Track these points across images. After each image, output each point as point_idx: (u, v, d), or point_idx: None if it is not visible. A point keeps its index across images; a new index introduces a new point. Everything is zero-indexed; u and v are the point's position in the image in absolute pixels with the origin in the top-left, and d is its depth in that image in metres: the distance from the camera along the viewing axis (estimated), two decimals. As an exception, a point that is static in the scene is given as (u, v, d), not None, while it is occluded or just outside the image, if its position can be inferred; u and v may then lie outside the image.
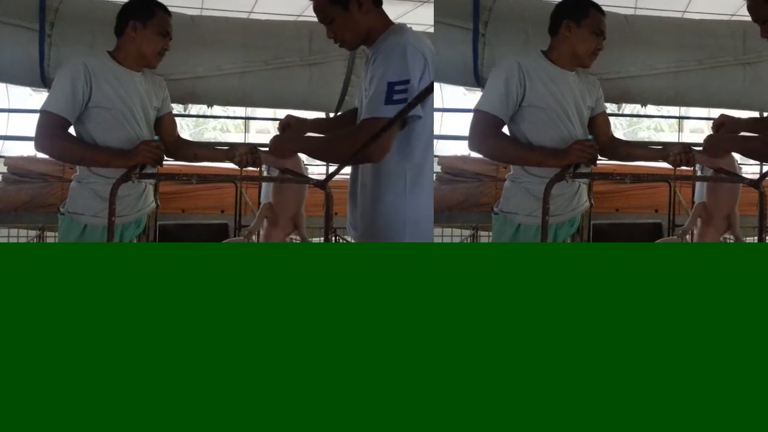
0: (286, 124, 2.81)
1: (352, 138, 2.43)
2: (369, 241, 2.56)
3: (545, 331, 2.04)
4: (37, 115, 2.75)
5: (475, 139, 2.80)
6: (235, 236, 4.48)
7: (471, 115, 2.82)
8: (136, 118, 2.82)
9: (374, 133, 2.25)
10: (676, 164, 2.76)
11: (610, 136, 2.97)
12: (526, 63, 2.80)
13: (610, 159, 3.03)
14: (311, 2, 2.57)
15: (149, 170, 2.78)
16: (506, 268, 2.06)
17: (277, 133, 2.86)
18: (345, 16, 2.48)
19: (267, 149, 2.76)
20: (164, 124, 2.96)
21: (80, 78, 2.73)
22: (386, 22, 2.53)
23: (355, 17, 2.48)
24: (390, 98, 2.34)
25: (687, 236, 3.51)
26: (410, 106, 2.20)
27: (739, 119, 2.90)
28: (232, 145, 2.93)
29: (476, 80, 3.23)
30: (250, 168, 2.97)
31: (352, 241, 2.70)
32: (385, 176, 2.50)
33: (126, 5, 2.85)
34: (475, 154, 4.50)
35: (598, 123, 2.93)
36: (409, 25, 2.54)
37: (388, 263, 2.06)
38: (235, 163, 2.79)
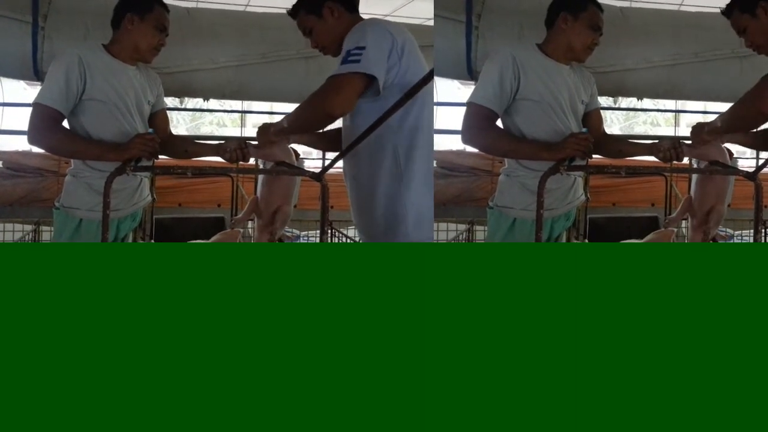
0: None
1: (316, 97, 2.52)
2: (372, 233, 2.57)
3: (543, 330, 2.03)
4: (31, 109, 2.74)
5: (468, 132, 2.80)
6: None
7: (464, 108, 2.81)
8: (130, 111, 2.81)
9: (334, 87, 2.44)
10: (666, 159, 2.75)
11: (601, 133, 2.96)
12: (521, 55, 2.79)
13: (601, 156, 3.03)
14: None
15: (144, 163, 2.78)
16: (504, 268, 2.06)
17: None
18: (320, 24, 2.64)
19: (255, 142, 2.77)
20: (157, 120, 2.95)
21: (74, 70, 2.72)
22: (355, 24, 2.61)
23: (329, 24, 2.63)
24: (345, 60, 2.46)
25: (674, 229, 3.50)
26: (407, 95, 2.21)
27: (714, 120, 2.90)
28: (226, 139, 2.93)
29: (469, 73, 3.22)
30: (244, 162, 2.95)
31: (356, 237, 2.70)
32: (377, 167, 2.51)
33: None
34: (470, 149, 4.48)
35: (592, 119, 2.92)
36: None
37: (386, 263, 2.06)
38: (226, 159, 2.78)
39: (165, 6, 2.85)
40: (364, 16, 2.69)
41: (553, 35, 2.83)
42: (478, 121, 2.76)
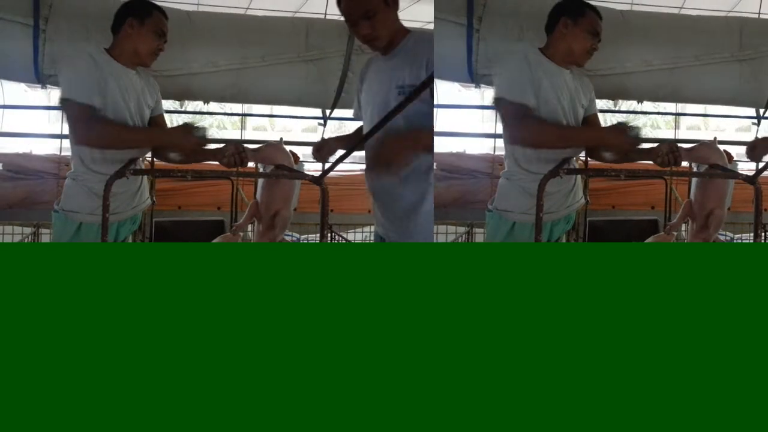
0: (320, 146, 2.81)
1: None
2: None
3: (542, 330, 2.04)
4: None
5: (512, 129, 2.81)
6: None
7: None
8: (131, 112, 2.83)
9: None
10: (664, 165, 2.78)
11: None
12: (530, 56, 2.85)
13: (598, 161, 3.06)
14: None
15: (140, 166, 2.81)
16: (504, 268, 2.06)
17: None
18: (386, 12, 2.46)
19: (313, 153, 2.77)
20: (155, 125, 2.97)
21: (89, 63, 2.77)
22: (402, 25, 2.57)
23: (393, 14, 2.48)
24: None
25: (674, 233, 3.51)
26: (408, 99, 2.21)
27: None
28: (227, 142, 2.94)
29: (470, 75, 3.23)
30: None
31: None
32: (415, 170, 2.53)
33: (125, 4, 2.89)
34: (470, 151, 4.49)
35: (590, 125, 2.96)
36: (406, 23, 2.56)
37: (385, 263, 2.06)
38: (224, 164, 2.80)
39: (164, 12, 2.89)
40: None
41: (554, 40, 2.87)
42: (517, 115, 2.78)
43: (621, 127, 2.76)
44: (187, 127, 2.75)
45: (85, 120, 2.73)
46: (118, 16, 2.85)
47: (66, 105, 2.74)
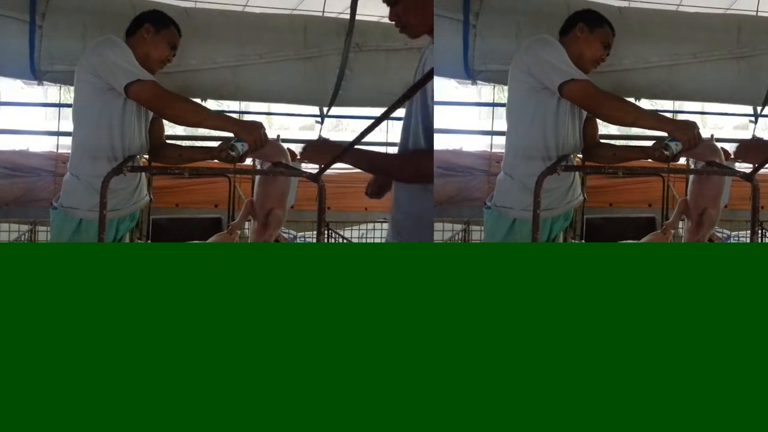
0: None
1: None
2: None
3: (539, 330, 2.04)
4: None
5: (598, 107, 2.84)
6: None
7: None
8: (140, 112, 2.89)
9: None
10: (662, 160, 2.79)
11: (596, 140, 3.03)
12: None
13: (596, 162, 3.09)
14: None
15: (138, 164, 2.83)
16: (502, 268, 2.06)
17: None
18: None
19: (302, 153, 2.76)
20: (154, 127, 3.02)
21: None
22: None
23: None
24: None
25: (671, 231, 3.52)
26: (405, 96, 2.20)
27: None
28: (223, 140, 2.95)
29: (466, 72, 3.23)
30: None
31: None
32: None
33: (145, 12, 2.95)
34: (467, 148, 4.49)
35: (588, 126, 2.99)
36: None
37: (384, 263, 2.06)
38: (221, 160, 2.81)
39: (179, 29, 2.96)
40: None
41: (567, 41, 2.92)
42: (595, 91, 2.82)
43: (691, 124, 2.79)
44: (257, 124, 2.80)
45: (165, 97, 2.78)
46: (136, 20, 2.92)
47: (136, 87, 2.78)
